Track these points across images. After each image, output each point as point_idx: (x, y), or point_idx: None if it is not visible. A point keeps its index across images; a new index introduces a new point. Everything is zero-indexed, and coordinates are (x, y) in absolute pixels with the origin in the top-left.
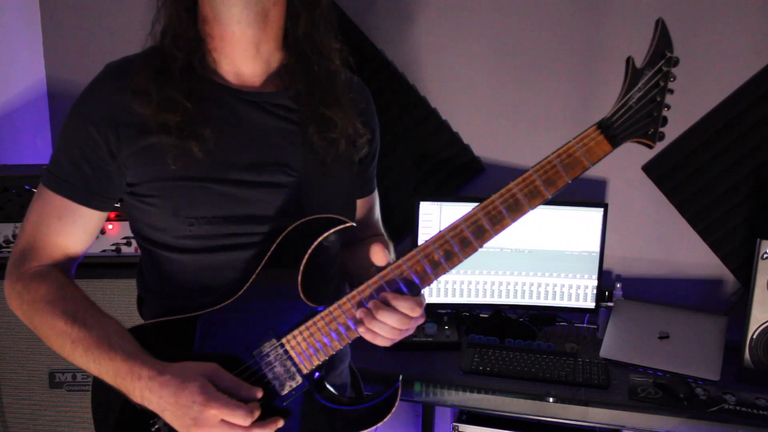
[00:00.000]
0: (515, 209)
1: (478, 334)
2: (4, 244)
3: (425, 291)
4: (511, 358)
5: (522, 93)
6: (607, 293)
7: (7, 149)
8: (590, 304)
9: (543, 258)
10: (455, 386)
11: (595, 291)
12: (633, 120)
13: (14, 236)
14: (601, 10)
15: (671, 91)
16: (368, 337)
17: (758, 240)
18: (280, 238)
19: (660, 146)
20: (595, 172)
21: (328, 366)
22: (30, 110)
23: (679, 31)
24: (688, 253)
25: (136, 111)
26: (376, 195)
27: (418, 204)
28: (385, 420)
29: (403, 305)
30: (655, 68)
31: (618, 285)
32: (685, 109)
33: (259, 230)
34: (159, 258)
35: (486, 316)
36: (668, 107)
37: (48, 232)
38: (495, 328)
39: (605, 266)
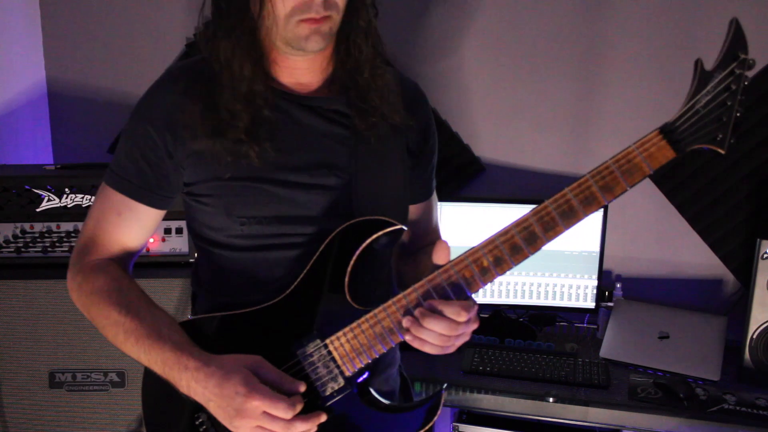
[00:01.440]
0: (569, 216)
1: (478, 334)
2: (4, 244)
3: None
4: (511, 358)
5: (522, 93)
6: (607, 293)
7: (7, 149)
8: (590, 304)
9: (543, 258)
10: (455, 386)
11: (595, 291)
12: (700, 125)
13: (14, 236)
14: (602, 10)
15: (744, 96)
16: (416, 344)
17: (758, 240)
18: (330, 238)
19: None
20: None
21: (375, 369)
22: (30, 110)
23: (679, 31)
24: (688, 253)
25: (194, 112)
26: (434, 199)
27: None
28: (427, 428)
29: (450, 310)
30: (727, 70)
31: (618, 285)
32: None
33: (308, 231)
34: (211, 255)
35: (486, 316)
36: (740, 113)
37: (108, 227)
38: (495, 328)
39: (605, 266)
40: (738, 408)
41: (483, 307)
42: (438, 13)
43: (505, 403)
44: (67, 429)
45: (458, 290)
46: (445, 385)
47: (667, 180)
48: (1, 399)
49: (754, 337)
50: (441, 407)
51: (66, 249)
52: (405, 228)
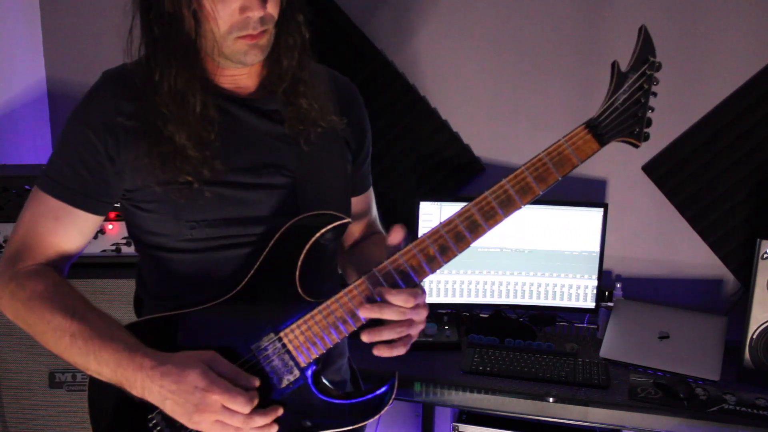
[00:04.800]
0: (507, 205)
1: (478, 334)
2: (4, 244)
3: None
4: (511, 358)
5: (522, 93)
6: (607, 293)
7: (7, 149)
8: (590, 304)
9: (543, 258)
10: (455, 386)
11: (595, 291)
12: (619, 120)
13: None
14: (601, 10)
15: (655, 94)
16: (374, 337)
17: (758, 240)
18: (279, 234)
19: (660, 146)
20: (595, 172)
21: (326, 361)
22: (30, 110)
23: (680, 31)
24: (688, 253)
25: (136, 116)
26: (372, 192)
27: (418, 204)
28: (382, 413)
29: (397, 298)
30: (639, 72)
31: (618, 285)
32: (685, 109)
33: (257, 230)
34: (159, 259)
35: (486, 316)
36: (652, 109)
37: (43, 232)
38: (495, 328)
39: (605, 266)
40: (738, 408)
41: (483, 307)
42: (438, 13)
43: (505, 403)
44: (67, 429)
45: (406, 278)
46: (397, 372)
47: (667, 180)
48: (1, 399)
49: (754, 337)
50: (394, 394)
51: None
52: (350, 221)
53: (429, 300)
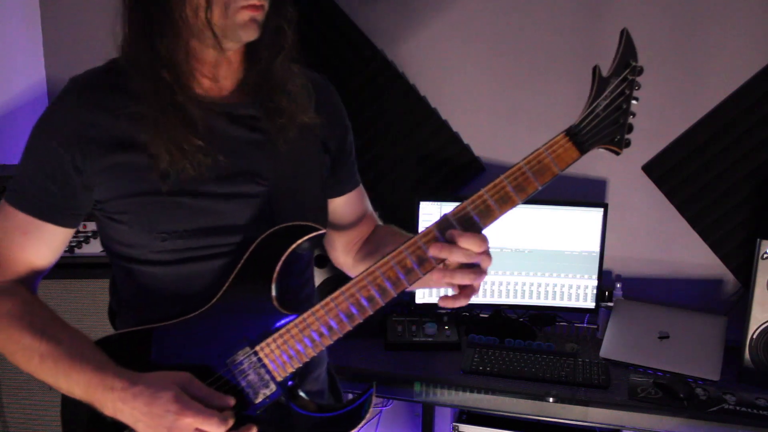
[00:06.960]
0: (486, 215)
1: (478, 334)
2: None
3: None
4: (511, 358)
5: (522, 93)
6: (607, 293)
7: (7, 149)
8: (590, 304)
9: (543, 258)
10: (455, 386)
11: (595, 291)
12: (600, 127)
13: None
14: (602, 10)
15: (636, 99)
16: (449, 278)
17: (758, 240)
18: (253, 246)
19: (660, 146)
20: (595, 172)
21: (304, 371)
22: (30, 110)
23: (680, 31)
24: (688, 253)
25: (104, 126)
26: (363, 189)
27: (418, 204)
28: (360, 426)
29: (468, 242)
30: (621, 77)
31: (618, 285)
32: (685, 109)
33: (232, 240)
34: (131, 271)
35: (486, 316)
36: (633, 115)
37: (12, 247)
38: (495, 328)
39: (605, 266)
40: (738, 408)
41: (483, 307)
42: (439, 14)
43: (505, 403)
44: None
45: (396, 281)
46: (374, 383)
47: (667, 180)
48: (1, 399)
49: (754, 337)
50: (372, 405)
51: (65, 248)
52: (325, 231)
53: (429, 301)
